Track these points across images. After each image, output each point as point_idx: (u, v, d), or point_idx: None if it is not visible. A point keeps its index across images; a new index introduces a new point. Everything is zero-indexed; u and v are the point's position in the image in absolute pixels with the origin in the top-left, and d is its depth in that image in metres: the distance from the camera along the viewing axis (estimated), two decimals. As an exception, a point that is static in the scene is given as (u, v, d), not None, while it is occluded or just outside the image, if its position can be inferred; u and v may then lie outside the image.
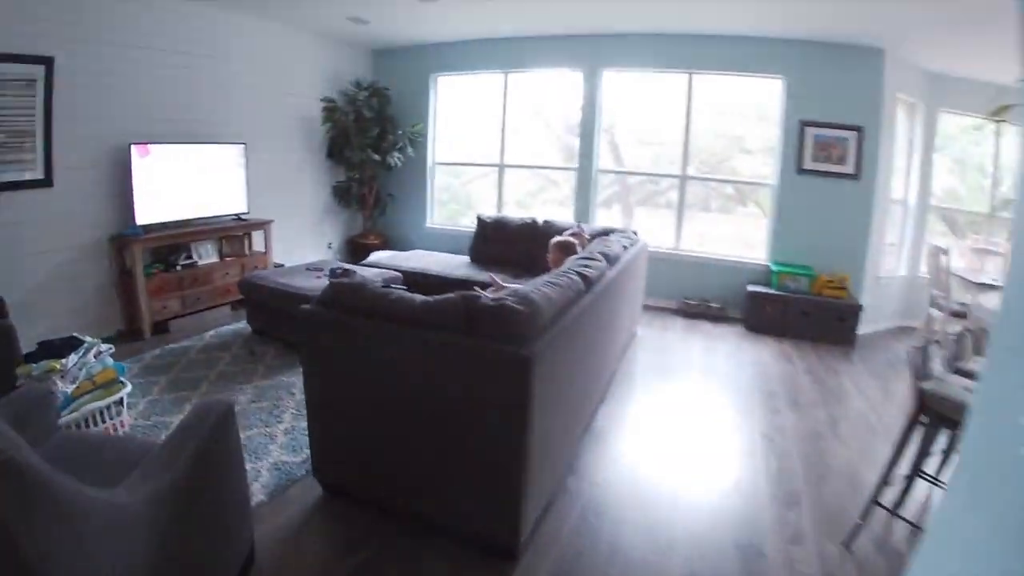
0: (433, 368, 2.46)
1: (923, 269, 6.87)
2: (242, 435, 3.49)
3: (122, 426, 3.55)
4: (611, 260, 3.91)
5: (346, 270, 5.17)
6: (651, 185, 7.88)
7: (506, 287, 4.89)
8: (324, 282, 4.94)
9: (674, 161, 6.96)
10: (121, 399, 3.55)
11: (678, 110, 6.81)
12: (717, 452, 3.70)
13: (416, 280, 5.55)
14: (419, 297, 2.65)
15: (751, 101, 6.81)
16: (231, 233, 6.02)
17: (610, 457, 3.56)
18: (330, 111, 7.10)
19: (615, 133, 7.37)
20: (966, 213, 7.00)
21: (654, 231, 6.95)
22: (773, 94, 6.48)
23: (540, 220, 6.15)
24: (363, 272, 5.36)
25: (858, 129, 6.12)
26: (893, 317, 6.89)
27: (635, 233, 5.50)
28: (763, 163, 6.79)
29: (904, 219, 6.94)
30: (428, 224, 8.08)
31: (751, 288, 6.39)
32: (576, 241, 4.45)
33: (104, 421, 3.45)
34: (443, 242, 7.77)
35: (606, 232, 5.51)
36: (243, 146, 6.08)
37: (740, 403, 4.48)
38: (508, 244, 6.12)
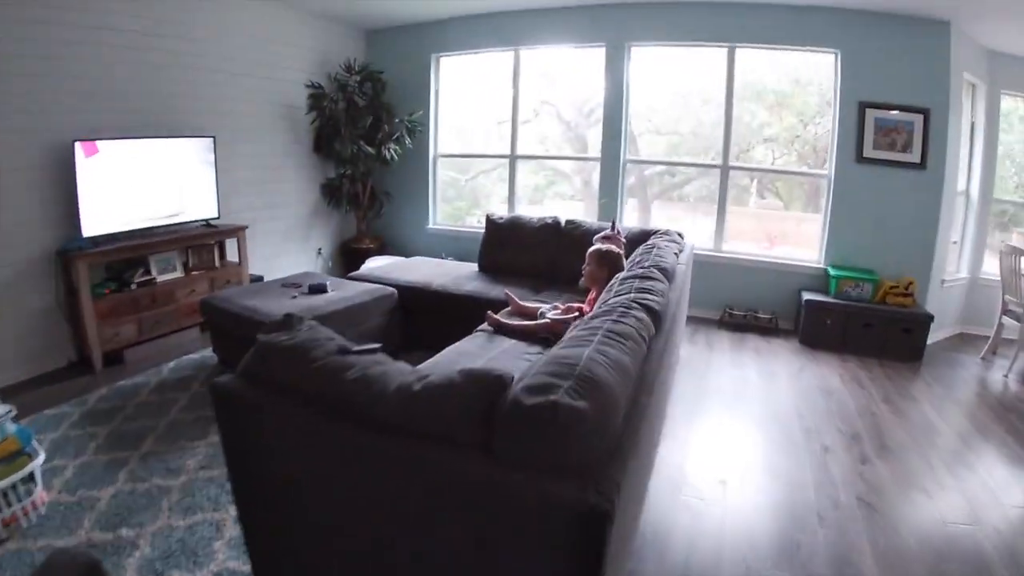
0: (422, 507, 1.43)
1: (987, 270, 6.04)
2: (180, 523, 2.61)
3: (34, 508, 2.68)
4: (669, 277, 3.00)
5: (288, 316, 4.25)
6: (668, 177, 7.32)
7: (527, 307, 3.91)
8: (300, 303, 4.06)
9: (697, 152, 6.24)
10: (31, 474, 2.69)
11: (703, 93, 6.06)
12: (805, 525, 2.80)
13: (415, 297, 4.63)
14: (398, 371, 1.61)
15: (780, 81, 6.01)
16: (198, 243, 5.11)
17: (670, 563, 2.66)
18: (316, 98, 6.18)
19: (631, 122, 6.42)
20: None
21: (679, 230, 6.05)
22: (819, 69, 5.57)
23: (563, 220, 5.18)
24: (350, 287, 4.47)
25: (924, 112, 5.21)
26: (954, 324, 6.00)
27: (680, 235, 4.58)
28: (780, 154, 6.07)
29: (966, 213, 6.04)
30: (431, 225, 7.15)
31: (807, 296, 5.47)
32: (620, 250, 3.54)
33: (9, 505, 2.59)
34: (448, 245, 6.87)
35: (645, 235, 4.59)
36: (211, 140, 5.15)
37: (819, 450, 3.56)
38: (525, 250, 5.15)
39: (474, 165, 7.40)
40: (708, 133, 6.39)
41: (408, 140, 6.57)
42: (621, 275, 2.89)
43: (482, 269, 5.24)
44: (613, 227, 4.36)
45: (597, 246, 3.51)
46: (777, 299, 5.83)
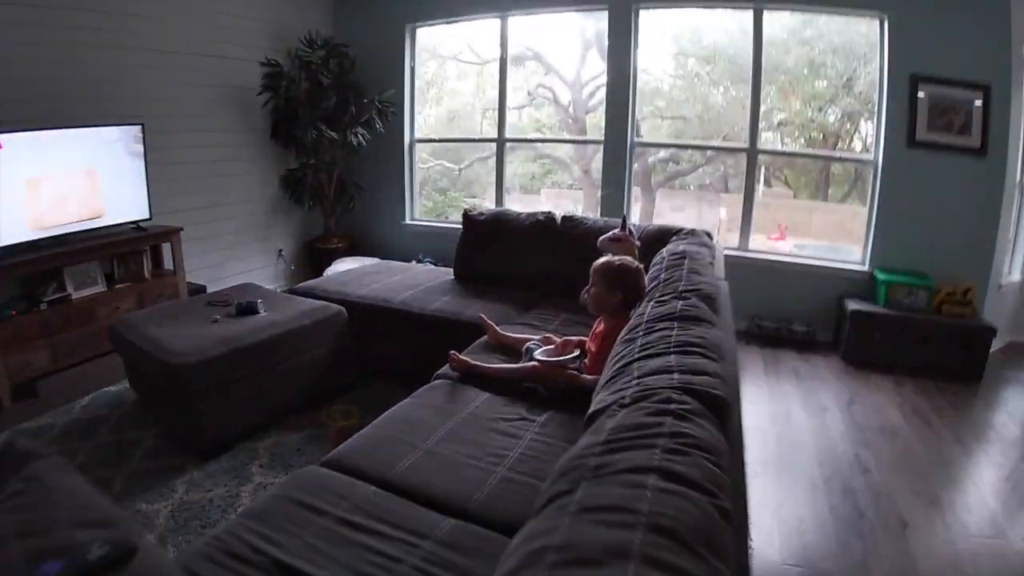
0: None
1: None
2: None
3: None
4: (716, 309, 2.02)
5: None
6: (673, 165, 6.73)
7: (508, 338, 2.88)
8: (218, 331, 3.10)
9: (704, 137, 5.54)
10: None
11: (712, 73, 5.56)
12: None
13: (371, 317, 3.66)
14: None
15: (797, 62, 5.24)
16: (125, 250, 4.20)
17: None
18: (273, 78, 5.21)
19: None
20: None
21: (686, 222, 5.32)
22: (853, 40, 4.63)
23: (558, 216, 4.19)
24: (289, 306, 3.50)
25: (984, 89, 4.27)
26: (1004, 333, 5.04)
27: (709, 235, 3.60)
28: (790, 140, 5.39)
29: (1021, 206, 5.06)
30: (408, 221, 6.17)
31: (853, 306, 4.51)
32: (637, 263, 2.57)
33: None
34: (428, 242, 5.91)
35: (664, 235, 3.63)
36: (139, 128, 4.22)
37: (897, 526, 2.64)
38: (512, 254, 4.13)
39: (468, 153, 6.46)
40: (715, 117, 5.93)
41: (379, 123, 5.59)
42: (647, 310, 1.93)
43: (458, 278, 4.25)
44: (624, 225, 3.39)
45: (606, 259, 2.53)
46: (814, 308, 4.87)
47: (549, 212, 4.18)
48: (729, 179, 6.99)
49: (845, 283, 4.80)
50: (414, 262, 5.61)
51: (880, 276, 4.53)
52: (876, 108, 4.62)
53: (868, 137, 5.53)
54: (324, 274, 5.31)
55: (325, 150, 5.53)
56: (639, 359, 1.51)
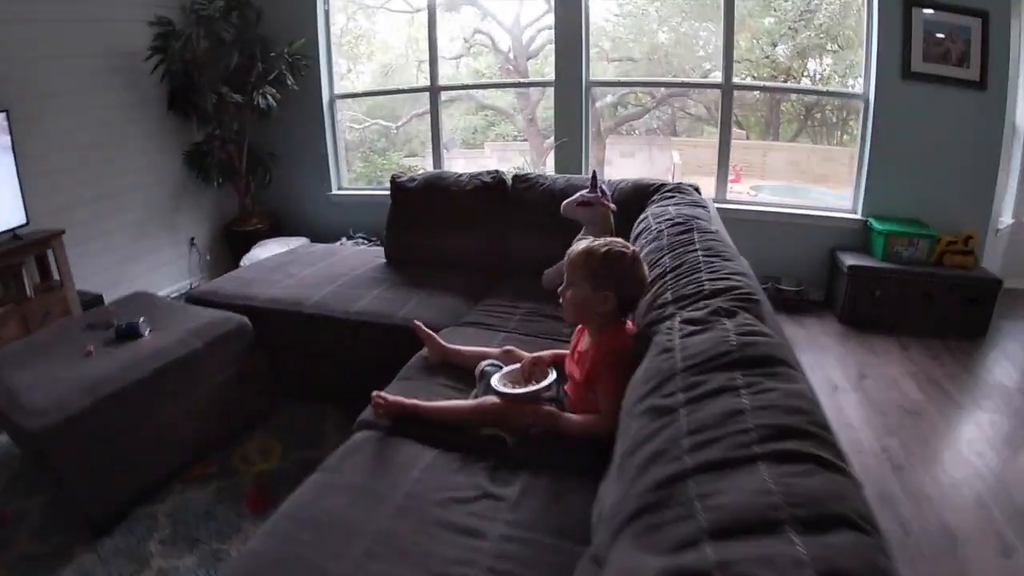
0: None
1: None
2: None
3: None
4: (758, 309, 1.38)
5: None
6: (622, 110, 6.35)
7: (454, 353, 2.07)
8: (92, 370, 2.30)
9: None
10: None
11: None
12: None
13: (282, 326, 2.89)
14: None
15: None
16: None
17: None
18: (164, 38, 4.27)
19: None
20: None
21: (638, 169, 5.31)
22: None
23: (507, 175, 3.40)
24: (182, 320, 2.70)
25: (983, 15, 3.71)
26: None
27: (697, 189, 2.90)
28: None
29: (1012, 145, 4.52)
30: (335, 191, 5.30)
31: (849, 260, 3.91)
32: (630, 248, 1.75)
33: None
34: (361, 215, 5.07)
35: (643, 192, 2.92)
36: (2, 115, 3.35)
37: (947, 544, 2.12)
38: (453, 228, 3.34)
39: (405, 108, 5.64)
40: (663, 58, 5.71)
41: (291, 80, 4.69)
42: (675, 341, 1.29)
43: (391, 262, 3.45)
44: (594, 184, 2.67)
45: (585, 246, 1.74)
46: (802, 263, 4.27)
47: (496, 172, 3.40)
48: (678, 122, 6.58)
49: (836, 234, 4.19)
50: (343, 240, 4.81)
51: (877, 226, 3.93)
52: (866, 37, 3.97)
53: (819, 73, 5.28)
54: (241, 263, 4.48)
55: (231, 117, 4.63)
56: (698, 472, 0.87)
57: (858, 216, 4.13)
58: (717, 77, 4.29)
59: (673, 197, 2.61)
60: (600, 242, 1.71)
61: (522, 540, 1.36)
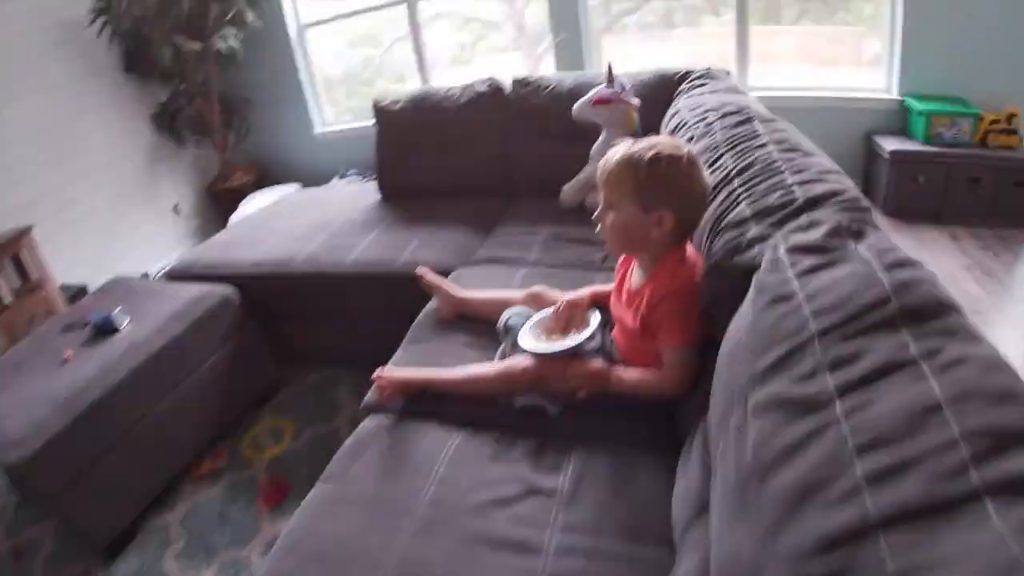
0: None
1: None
2: None
3: None
4: (869, 217, 1.05)
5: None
6: (615, 5, 5.42)
7: (473, 300, 1.66)
8: (68, 381, 1.97)
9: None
10: None
11: None
12: None
13: (273, 288, 2.53)
14: None
15: None
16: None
17: None
18: None
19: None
20: None
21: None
22: None
23: (505, 82, 2.92)
24: (161, 302, 2.35)
25: None
26: None
27: (728, 73, 2.51)
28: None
29: None
30: (320, 129, 4.86)
31: (890, 145, 3.48)
32: (684, 148, 1.31)
33: None
34: (352, 151, 4.64)
35: (668, 83, 2.50)
36: None
37: None
38: (451, 151, 2.91)
39: (387, 31, 5.11)
40: None
41: (251, 15, 4.20)
42: (792, 284, 0.92)
43: (387, 199, 3.05)
44: (611, 78, 2.25)
45: (621, 151, 1.30)
46: (836, 149, 3.77)
47: (491, 78, 2.94)
48: (673, 13, 6.07)
49: (871, 116, 3.74)
50: (335, 180, 4.40)
51: (916, 106, 3.48)
52: None
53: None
54: (232, 218, 4.11)
55: (193, 68, 4.18)
56: (890, 526, 0.57)
57: (894, 96, 3.67)
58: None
59: (706, 84, 2.20)
60: (641, 145, 1.28)
61: (587, 552, 1.06)
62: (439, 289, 1.89)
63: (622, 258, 1.50)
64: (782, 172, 1.22)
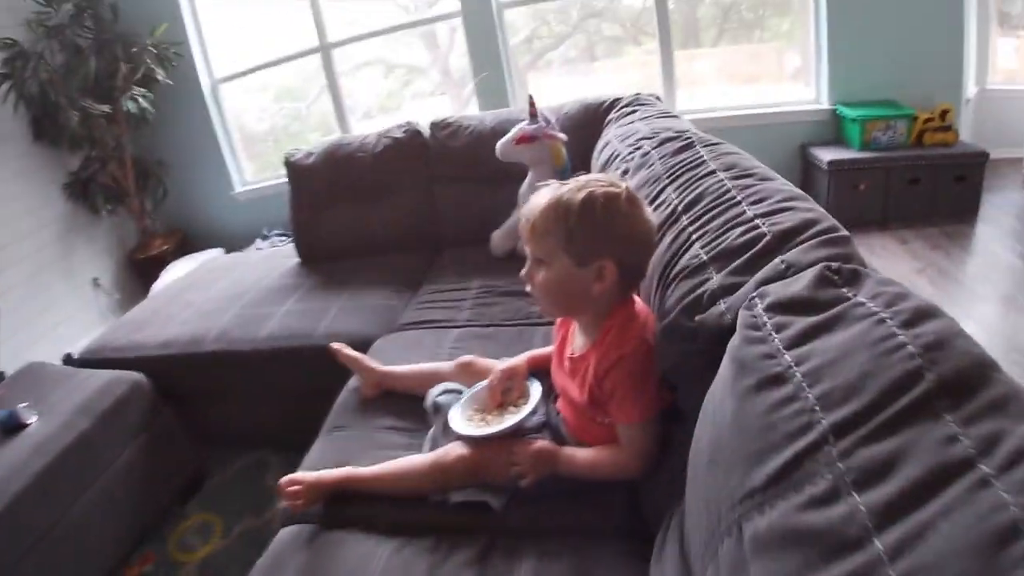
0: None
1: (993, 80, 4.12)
2: None
3: None
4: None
5: None
6: (538, 42, 5.40)
7: (400, 377, 1.47)
8: None
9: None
10: None
11: None
12: None
13: (184, 370, 2.25)
14: None
15: None
16: None
17: None
18: (10, 63, 3.53)
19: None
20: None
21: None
22: None
23: (423, 124, 2.75)
24: (71, 390, 2.07)
25: None
26: None
27: (658, 99, 2.35)
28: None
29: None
30: (239, 189, 4.59)
31: (826, 156, 3.43)
32: (613, 188, 1.10)
33: None
34: (274, 209, 4.25)
35: (596, 113, 2.35)
36: None
37: None
38: (370, 203, 2.69)
39: (314, 82, 4.89)
40: None
41: (160, 73, 3.95)
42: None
43: (306, 261, 2.80)
44: (533, 113, 2.06)
45: (546, 194, 1.10)
46: (773, 164, 3.71)
47: (408, 123, 2.76)
48: (595, 46, 6.05)
49: (804, 128, 3.70)
50: (257, 242, 4.16)
51: (849, 113, 3.45)
52: None
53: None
54: (153, 288, 3.82)
55: (102, 132, 3.91)
56: None
57: (825, 105, 3.63)
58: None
59: (635, 111, 2.05)
60: (569, 186, 1.10)
61: None
62: (358, 364, 1.66)
63: (559, 322, 1.32)
64: (739, 203, 1.04)
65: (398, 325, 2.05)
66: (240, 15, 4.46)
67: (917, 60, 3.49)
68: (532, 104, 2.09)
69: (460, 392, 1.39)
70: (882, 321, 0.63)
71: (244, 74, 4.43)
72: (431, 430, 1.38)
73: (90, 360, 2.37)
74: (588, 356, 1.14)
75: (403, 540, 1.17)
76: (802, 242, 0.89)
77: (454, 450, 1.23)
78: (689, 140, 1.33)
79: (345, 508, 1.27)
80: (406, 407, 1.53)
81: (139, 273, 4.39)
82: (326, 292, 2.39)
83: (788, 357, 0.67)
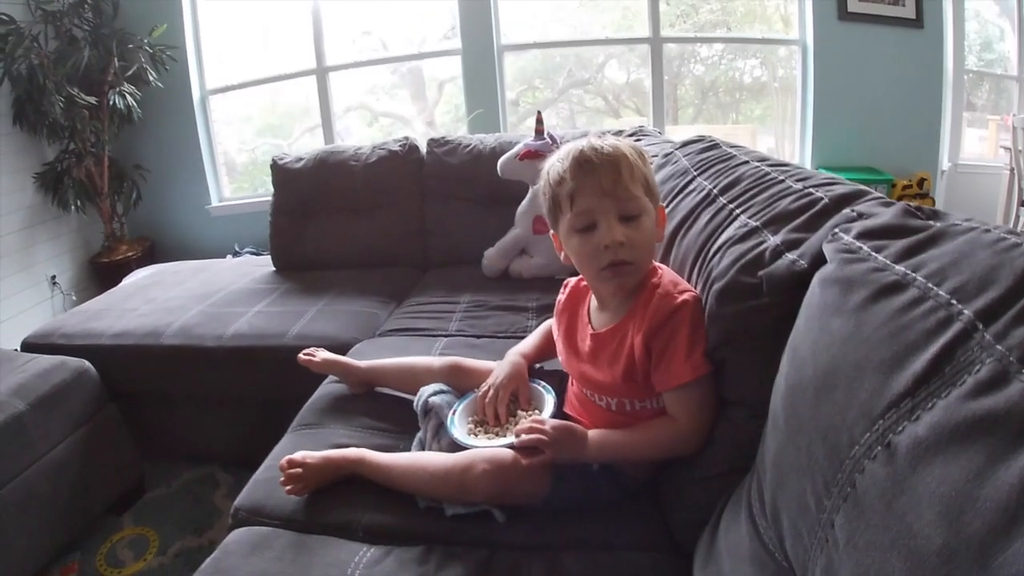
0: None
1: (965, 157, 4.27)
2: None
3: None
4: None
5: None
6: (523, 105, 5.41)
7: (385, 373, 1.22)
8: None
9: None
10: None
11: None
12: None
13: (138, 362, 2.03)
14: None
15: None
16: None
17: None
18: (3, 38, 3.37)
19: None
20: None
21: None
22: None
23: (420, 140, 2.66)
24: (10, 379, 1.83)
25: None
26: None
27: (659, 132, 2.34)
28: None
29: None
30: (216, 203, 4.39)
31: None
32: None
33: None
34: (248, 228, 4.20)
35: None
36: None
37: None
38: (358, 216, 2.55)
39: (296, 124, 4.89)
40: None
41: (153, 75, 3.82)
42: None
43: (281, 269, 2.61)
44: (540, 130, 1.97)
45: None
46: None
47: (405, 137, 2.65)
48: (576, 116, 6.15)
49: (789, 196, 3.71)
50: (228, 257, 3.95)
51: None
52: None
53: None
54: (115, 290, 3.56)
55: (84, 125, 3.71)
56: None
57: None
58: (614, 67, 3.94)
59: (640, 140, 1.95)
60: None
61: None
62: (338, 366, 1.46)
63: (560, 306, 1.19)
64: (782, 181, 1.01)
65: (381, 331, 1.88)
66: (241, 28, 4.36)
67: (896, 130, 3.70)
68: (540, 121, 2.01)
69: (451, 393, 1.23)
70: (988, 231, 0.60)
71: (236, 88, 4.30)
72: (419, 433, 1.21)
73: (37, 345, 2.13)
74: (626, 323, 1.02)
75: (386, 548, 0.98)
76: (864, 202, 0.84)
77: (479, 464, 1.02)
78: (713, 142, 1.31)
79: (318, 508, 1.07)
80: (386, 406, 1.36)
81: (100, 278, 4.14)
82: (303, 297, 2.21)
83: (901, 267, 0.62)
